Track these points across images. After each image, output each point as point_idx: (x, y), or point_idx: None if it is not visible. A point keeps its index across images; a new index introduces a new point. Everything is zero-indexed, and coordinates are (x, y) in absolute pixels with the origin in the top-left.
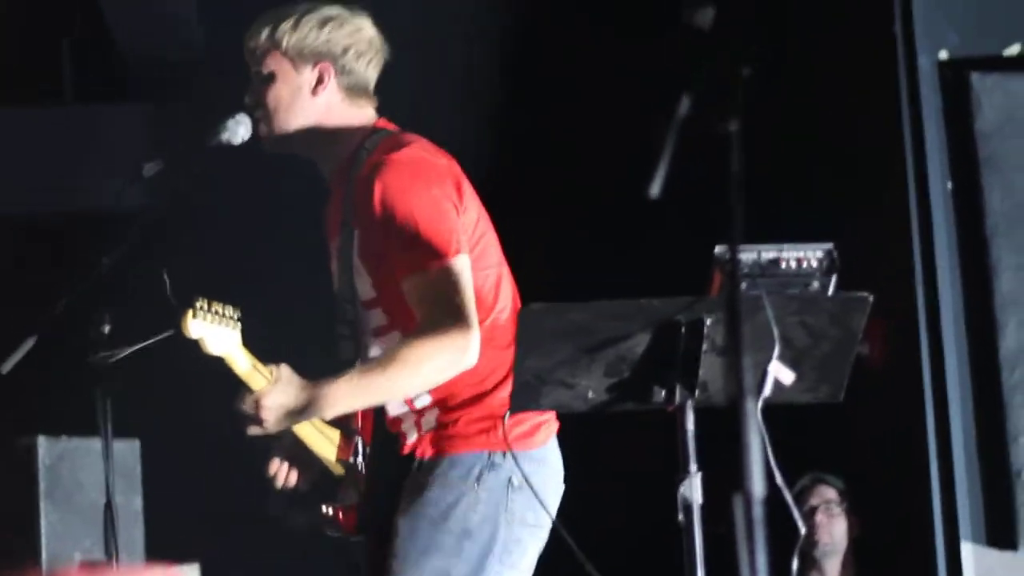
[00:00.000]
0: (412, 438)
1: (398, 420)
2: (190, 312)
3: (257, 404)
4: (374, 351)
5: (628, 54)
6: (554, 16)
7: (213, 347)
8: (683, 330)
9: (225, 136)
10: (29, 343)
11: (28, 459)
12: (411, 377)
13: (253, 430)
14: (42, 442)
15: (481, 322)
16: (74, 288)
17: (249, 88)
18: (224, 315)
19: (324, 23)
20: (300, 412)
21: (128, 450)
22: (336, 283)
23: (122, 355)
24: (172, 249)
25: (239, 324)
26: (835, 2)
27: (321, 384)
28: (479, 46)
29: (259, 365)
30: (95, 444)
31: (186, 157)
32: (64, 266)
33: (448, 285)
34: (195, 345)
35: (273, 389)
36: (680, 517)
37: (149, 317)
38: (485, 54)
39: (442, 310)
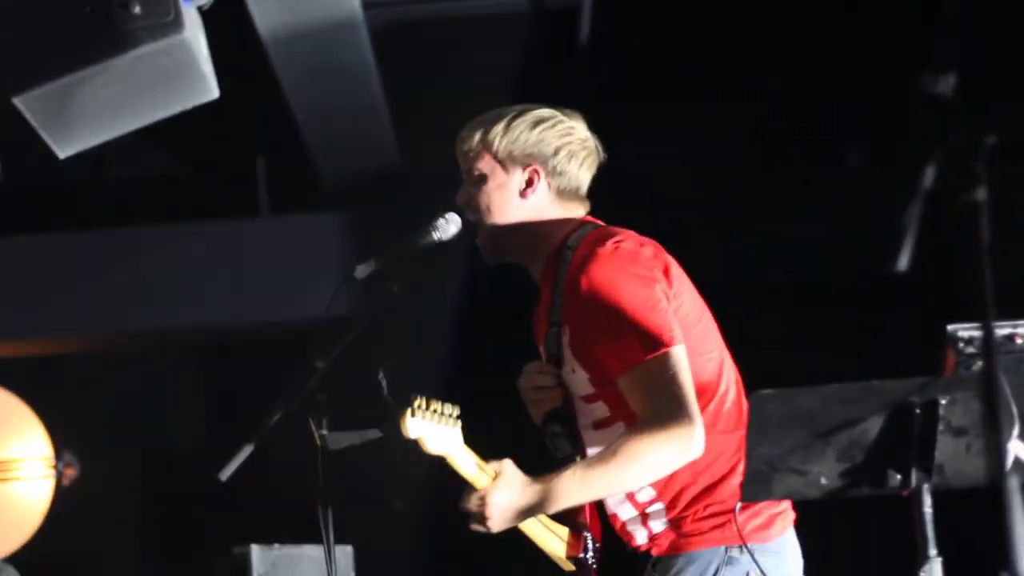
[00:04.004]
0: (641, 537)
1: (620, 517)
2: (408, 411)
3: (482, 502)
4: (594, 443)
5: None
6: None
7: (433, 446)
8: (917, 412)
9: (437, 235)
10: (245, 452)
11: (243, 567)
12: (634, 471)
13: (478, 528)
14: (255, 551)
15: (704, 408)
16: (289, 398)
17: (460, 189)
18: (443, 414)
19: (536, 124)
20: (525, 509)
21: (341, 555)
22: None
23: (342, 445)
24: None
25: (459, 422)
26: None
27: (544, 480)
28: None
29: (481, 463)
30: (306, 551)
31: (399, 257)
32: (268, 376)
33: (666, 377)
34: (415, 445)
35: (497, 486)
36: None
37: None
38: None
39: (662, 403)
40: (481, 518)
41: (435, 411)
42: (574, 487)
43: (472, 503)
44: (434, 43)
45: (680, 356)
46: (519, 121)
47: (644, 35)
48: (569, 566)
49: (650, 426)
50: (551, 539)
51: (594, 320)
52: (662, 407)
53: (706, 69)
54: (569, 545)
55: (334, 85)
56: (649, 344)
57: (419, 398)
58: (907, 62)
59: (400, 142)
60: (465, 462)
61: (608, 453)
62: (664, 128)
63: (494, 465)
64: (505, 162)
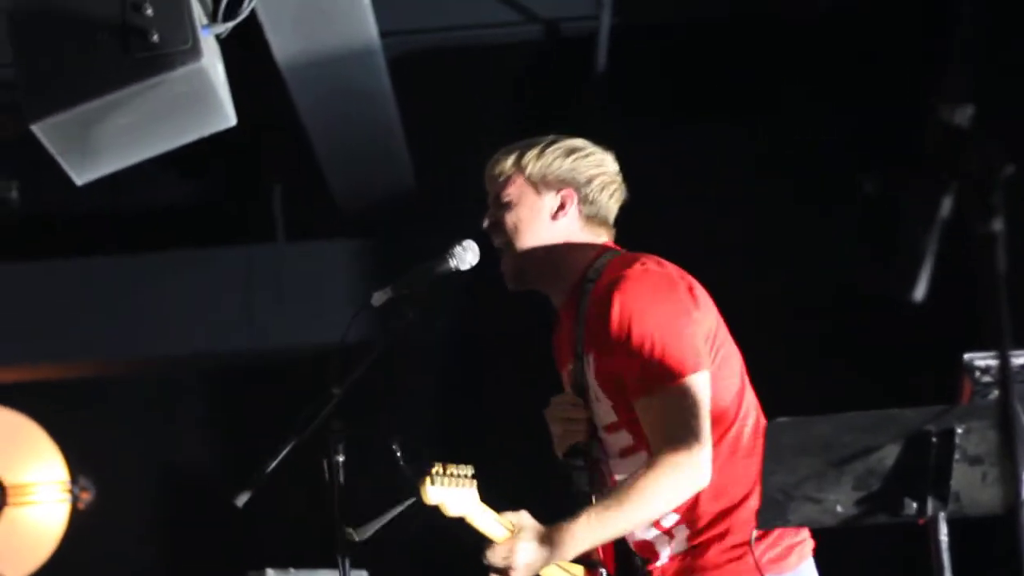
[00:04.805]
0: (665, 553)
1: (648, 543)
2: (428, 480)
3: (508, 555)
4: (621, 471)
5: None
6: None
7: (454, 510)
8: (934, 441)
9: (454, 263)
10: (260, 478)
11: None
12: (648, 507)
13: None
14: (270, 575)
15: (725, 433)
16: (303, 424)
17: (487, 212)
18: (459, 475)
19: (570, 153)
20: (546, 558)
21: None
22: None
23: (369, 532)
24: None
25: (474, 481)
26: None
27: (561, 526)
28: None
29: (499, 517)
30: None
31: (416, 285)
32: (283, 403)
33: (683, 407)
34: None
35: (517, 539)
36: None
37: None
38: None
39: (676, 433)
40: (506, 571)
41: (452, 474)
42: (592, 531)
43: (496, 558)
44: (450, 71)
45: (701, 383)
46: (553, 148)
47: (658, 58)
48: None
49: (661, 460)
50: None
51: (622, 341)
52: (675, 438)
53: (720, 92)
54: None
55: (351, 112)
56: (671, 372)
57: (436, 464)
58: (919, 80)
59: (417, 169)
60: (484, 520)
61: (622, 492)
62: (677, 150)
63: (510, 516)
64: (538, 185)
